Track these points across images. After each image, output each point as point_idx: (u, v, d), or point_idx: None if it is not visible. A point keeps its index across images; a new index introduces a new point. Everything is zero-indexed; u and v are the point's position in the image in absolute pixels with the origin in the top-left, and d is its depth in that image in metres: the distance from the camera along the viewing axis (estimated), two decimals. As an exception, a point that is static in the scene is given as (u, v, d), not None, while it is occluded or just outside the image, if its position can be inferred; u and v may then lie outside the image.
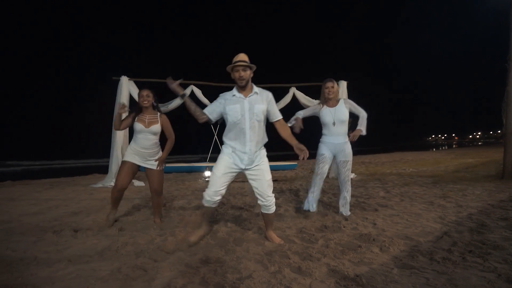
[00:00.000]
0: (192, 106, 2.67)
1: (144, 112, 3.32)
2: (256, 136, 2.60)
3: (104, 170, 7.60)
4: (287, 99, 7.97)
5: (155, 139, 3.30)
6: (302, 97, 7.98)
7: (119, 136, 6.77)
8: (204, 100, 7.72)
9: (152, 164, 3.30)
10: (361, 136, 3.52)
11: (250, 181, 2.71)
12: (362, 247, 2.54)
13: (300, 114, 3.68)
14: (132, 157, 3.26)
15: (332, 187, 5.92)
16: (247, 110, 2.56)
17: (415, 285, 1.86)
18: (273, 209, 2.74)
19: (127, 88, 7.01)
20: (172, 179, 7.82)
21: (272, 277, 1.99)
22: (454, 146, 56.70)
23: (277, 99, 7.79)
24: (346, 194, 3.68)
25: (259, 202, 2.73)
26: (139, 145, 3.23)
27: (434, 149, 35.61)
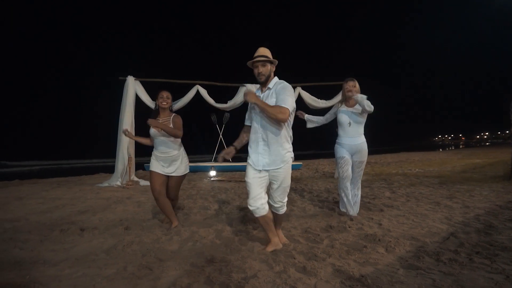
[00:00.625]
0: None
1: (161, 114, 3.24)
2: (270, 136, 2.40)
3: (111, 169, 7.65)
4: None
5: (172, 141, 3.20)
6: (307, 97, 7.96)
7: (124, 136, 6.82)
8: (210, 100, 7.74)
9: (175, 172, 3.23)
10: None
11: (269, 181, 2.52)
12: (367, 248, 2.52)
13: (320, 119, 3.80)
14: (155, 166, 3.21)
15: (337, 187, 5.90)
16: (260, 115, 2.42)
17: (421, 286, 1.85)
18: (282, 210, 2.61)
19: (133, 88, 7.07)
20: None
21: (277, 277, 1.99)
22: (461, 146, 56.14)
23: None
24: (357, 192, 3.71)
25: (269, 201, 2.57)
26: (158, 150, 3.21)
27: (441, 150, 35.29)
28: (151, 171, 3.22)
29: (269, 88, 2.45)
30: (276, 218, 2.66)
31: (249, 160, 2.51)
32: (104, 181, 7.04)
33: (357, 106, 3.58)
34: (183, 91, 7.43)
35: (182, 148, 3.33)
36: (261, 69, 2.42)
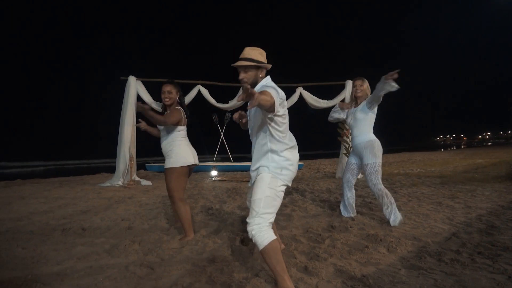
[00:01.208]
0: None
1: (168, 109, 3.02)
2: (257, 145, 2.02)
3: (112, 169, 7.67)
4: (293, 99, 7.96)
5: (169, 136, 2.95)
6: (309, 97, 7.96)
7: (126, 135, 6.84)
8: (211, 100, 7.75)
9: (165, 164, 3.01)
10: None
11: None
12: (369, 248, 2.52)
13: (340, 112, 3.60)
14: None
15: (339, 187, 5.90)
16: (251, 116, 2.10)
17: (423, 286, 1.84)
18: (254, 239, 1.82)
19: (134, 88, 7.08)
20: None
21: (278, 277, 1.99)
22: (463, 146, 55.96)
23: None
24: (383, 200, 3.31)
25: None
26: (161, 144, 3.06)
27: (443, 150, 35.19)
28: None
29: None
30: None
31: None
32: (105, 181, 7.05)
33: (361, 105, 3.39)
34: (184, 91, 7.44)
35: (179, 143, 2.95)
36: (243, 75, 1.99)
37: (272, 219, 1.88)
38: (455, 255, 2.32)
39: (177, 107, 2.97)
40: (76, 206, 4.44)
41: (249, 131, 2.18)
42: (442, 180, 6.68)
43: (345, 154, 7.62)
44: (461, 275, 1.99)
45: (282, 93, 1.94)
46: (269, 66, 2.07)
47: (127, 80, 7.09)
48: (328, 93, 8.25)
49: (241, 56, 2.02)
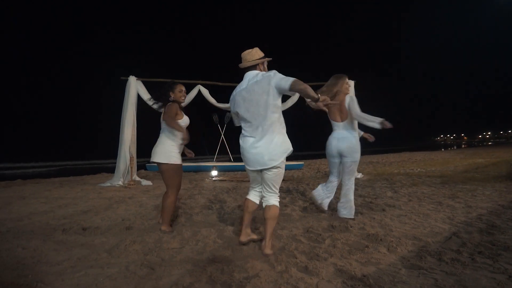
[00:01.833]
0: None
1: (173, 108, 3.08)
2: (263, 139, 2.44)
3: (112, 169, 7.67)
4: (294, 98, 7.95)
5: (161, 130, 3.13)
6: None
7: (127, 135, 6.84)
8: (211, 99, 7.75)
9: (155, 158, 3.07)
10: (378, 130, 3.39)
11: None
12: (369, 247, 2.52)
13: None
14: None
15: (339, 187, 5.88)
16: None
17: (423, 286, 1.84)
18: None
19: (135, 87, 7.08)
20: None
21: (278, 277, 1.99)
22: (463, 146, 55.95)
23: (285, 98, 7.77)
24: (348, 193, 3.59)
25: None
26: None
27: (443, 149, 35.17)
28: None
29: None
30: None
31: None
32: (106, 181, 7.05)
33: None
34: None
35: (169, 141, 3.06)
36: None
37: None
38: (456, 254, 2.32)
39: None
40: (77, 206, 4.44)
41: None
42: (442, 179, 6.67)
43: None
44: (461, 274, 1.99)
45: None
46: (267, 58, 2.47)
47: (127, 80, 7.08)
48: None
49: (243, 61, 2.44)
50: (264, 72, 2.42)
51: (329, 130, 3.71)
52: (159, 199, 4.90)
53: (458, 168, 9.29)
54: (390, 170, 9.24)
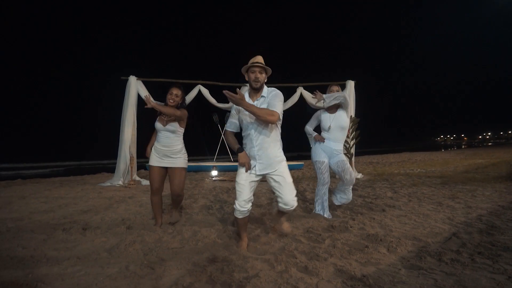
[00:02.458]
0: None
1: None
2: (264, 141, 2.48)
3: (113, 169, 7.68)
4: (294, 98, 7.96)
5: (175, 136, 3.22)
6: (309, 97, 7.95)
7: (127, 135, 6.84)
8: (212, 99, 7.75)
9: (173, 163, 3.22)
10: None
11: (271, 184, 2.60)
12: (369, 247, 2.52)
13: (311, 130, 3.80)
14: (154, 160, 3.23)
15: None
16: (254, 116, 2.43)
17: (423, 286, 1.85)
18: (293, 207, 2.61)
19: (135, 87, 7.08)
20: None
21: (278, 277, 2.00)
22: (463, 146, 55.94)
23: (285, 99, 7.76)
24: (344, 195, 3.76)
25: (280, 204, 2.59)
26: (160, 143, 3.22)
27: (443, 150, 35.17)
28: (150, 166, 3.25)
29: (263, 97, 2.52)
30: (282, 213, 2.78)
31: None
32: (106, 180, 7.06)
33: (339, 112, 3.67)
34: (185, 91, 7.45)
35: (183, 145, 3.34)
36: (258, 75, 2.46)
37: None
38: (455, 255, 2.32)
39: (183, 110, 3.24)
40: (77, 205, 4.44)
41: (249, 132, 2.54)
42: (442, 180, 6.67)
43: (345, 154, 7.62)
44: (461, 275, 1.99)
45: None
46: (270, 71, 2.54)
47: (127, 80, 7.09)
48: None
49: (257, 60, 2.48)
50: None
51: None
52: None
53: (458, 169, 9.29)
54: (390, 171, 9.24)
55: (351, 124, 7.51)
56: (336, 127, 3.61)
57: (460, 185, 5.83)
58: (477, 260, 2.22)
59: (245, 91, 2.57)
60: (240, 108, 2.43)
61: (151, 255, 2.41)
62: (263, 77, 2.49)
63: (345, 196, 3.74)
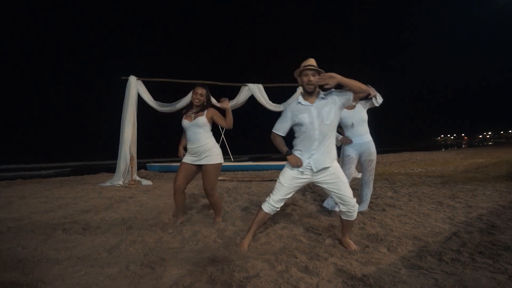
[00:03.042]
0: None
1: (194, 108, 3.35)
2: (324, 145, 2.44)
3: (113, 169, 7.67)
4: (294, 98, 7.96)
5: (203, 132, 3.25)
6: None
7: (127, 135, 6.84)
8: (212, 99, 7.75)
9: (205, 160, 3.25)
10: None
11: (326, 187, 2.52)
12: (369, 247, 2.52)
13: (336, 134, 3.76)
14: (186, 158, 3.30)
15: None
16: (315, 117, 2.42)
17: (423, 286, 1.84)
18: (354, 215, 2.54)
19: (135, 87, 7.08)
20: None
21: (279, 276, 1.99)
22: (463, 146, 55.93)
23: (285, 98, 7.78)
24: (368, 192, 3.86)
25: (342, 208, 2.52)
26: (190, 141, 3.26)
27: (443, 149, 35.15)
28: (180, 162, 3.36)
29: (322, 98, 2.49)
30: (348, 224, 2.61)
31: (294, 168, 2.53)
32: (106, 180, 7.05)
33: (358, 107, 3.69)
34: (185, 91, 7.45)
35: (214, 140, 3.39)
36: (312, 78, 2.43)
37: None
38: (456, 254, 2.32)
39: (210, 108, 3.36)
40: (77, 205, 4.44)
41: (315, 131, 2.45)
42: (443, 179, 6.67)
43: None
44: (461, 274, 1.99)
45: None
46: (323, 72, 2.44)
47: (127, 80, 7.09)
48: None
49: (309, 63, 2.49)
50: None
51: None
52: (160, 199, 4.91)
53: (458, 168, 9.29)
54: (391, 170, 9.23)
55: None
56: (358, 122, 3.67)
57: (460, 185, 5.83)
58: (478, 259, 2.22)
59: (298, 95, 2.57)
60: (297, 110, 2.49)
61: (151, 255, 2.40)
62: (316, 79, 2.44)
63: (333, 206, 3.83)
